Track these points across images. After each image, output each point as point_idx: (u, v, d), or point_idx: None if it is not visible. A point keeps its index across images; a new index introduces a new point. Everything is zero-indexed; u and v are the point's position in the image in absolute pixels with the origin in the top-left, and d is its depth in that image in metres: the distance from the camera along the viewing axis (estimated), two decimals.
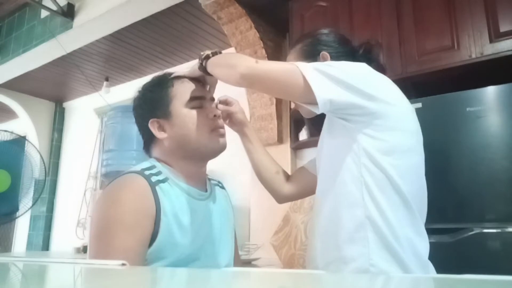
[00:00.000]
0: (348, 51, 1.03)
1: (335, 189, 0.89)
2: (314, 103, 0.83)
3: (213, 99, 1.02)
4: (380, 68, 1.02)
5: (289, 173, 1.19)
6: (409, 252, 0.82)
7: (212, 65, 0.94)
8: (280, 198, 1.17)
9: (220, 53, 0.96)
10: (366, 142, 0.85)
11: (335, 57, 1.00)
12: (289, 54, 1.09)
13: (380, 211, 0.82)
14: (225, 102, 1.10)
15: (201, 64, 0.96)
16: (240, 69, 0.86)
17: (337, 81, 0.84)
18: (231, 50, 2.62)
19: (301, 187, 1.13)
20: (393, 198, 0.83)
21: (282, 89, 0.91)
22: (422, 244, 0.86)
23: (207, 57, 0.95)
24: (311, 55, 1.02)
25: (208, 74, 0.96)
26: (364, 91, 0.84)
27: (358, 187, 0.85)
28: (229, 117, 1.12)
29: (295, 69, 0.85)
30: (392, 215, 0.82)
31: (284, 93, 0.99)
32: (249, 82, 0.90)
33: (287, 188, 1.15)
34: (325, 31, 1.07)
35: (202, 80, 1.01)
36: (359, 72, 0.88)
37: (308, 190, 1.10)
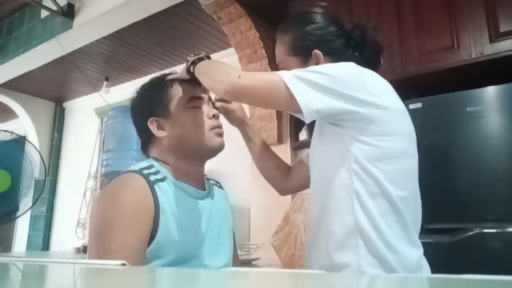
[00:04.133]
0: (342, 44, 0.98)
1: (326, 195, 0.88)
2: (302, 112, 0.81)
3: (211, 99, 1.03)
4: (378, 51, 1.00)
5: None
6: (399, 258, 0.81)
7: (198, 73, 0.93)
8: (282, 192, 1.19)
9: (207, 56, 0.95)
10: (356, 148, 0.84)
11: (329, 53, 0.97)
12: (277, 42, 1.03)
13: (370, 218, 0.82)
14: (223, 99, 1.09)
15: (188, 69, 0.95)
16: (223, 86, 0.84)
17: (322, 89, 0.81)
18: (231, 50, 2.62)
19: (301, 180, 1.13)
20: (383, 205, 0.82)
21: (267, 101, 0.90)
22: (414, 251, 0.85)
23: (194, 63, 0.94)
24: (302, 53, 0.98)
25: (196, 78, 0.95)
26: (352, 95, 0.82)
27: (348, 194, 0.84)
28: (228, 115, 1.12)
29: (278, 80, 0.83)
30: (382, 222, 0.81)
31: (270, 105, 0.99)
32: (233, 98, 0.91)
33: (288, 182, 1.16)
34: (317, 18, 0.99)
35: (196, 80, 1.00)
36: (347, 76, 0.85)
37: (309, 182, 1.10)
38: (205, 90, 1.01)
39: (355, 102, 0.82)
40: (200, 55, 0.95)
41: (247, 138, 1.16)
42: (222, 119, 1.03)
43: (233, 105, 1.11)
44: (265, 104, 0.98)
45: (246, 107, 1.35)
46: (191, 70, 0.94)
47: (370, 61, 0.97)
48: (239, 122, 1.14)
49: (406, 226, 0.84)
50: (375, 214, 0.82)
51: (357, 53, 0.99)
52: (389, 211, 0.83)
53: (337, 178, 0.86)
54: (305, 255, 0.99)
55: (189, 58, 0.95)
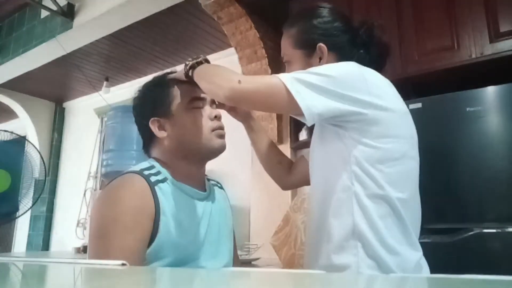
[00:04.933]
0: (348, 40, 0.98)
1: (326, 196, 0.88)
2: (303, 115, 0.81)
3: (213, 100, 1.02)
4: (384, 52, 0.99)
5: None
6: (397, 261, 0.81)
7: (197, 77, 0.92)
8: (284, 186, 1.20)
9: (206, 60, 0.95)
10: (357, 149, 0.83)
11: (334, 48, 0.96)
12: (283, 35, 1.03)
13: (369, 220, 0.81)
14: None
15: (187, 73, 0.95)
16: (224, 91, 0.84)
17: (324, 92, 0.81)
18: (231, 50, 2.62)
19: (302, 176, 1.13)
20: (383, 207, 0.82)
21: (269, 106, 0.89)
22: (412, 253, 0.85)
23: (192, 67, 0.93)
24: (307, 46, 0.97)
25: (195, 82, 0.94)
26: (354, 97, 0.81)
27: (348, 196, 0.84)
28: (233, 109, 1.11)
29: (279, 84, 0.82)
30: (381, 224, 0.81)
31: (271, 109, 0.99)
32: (234, 103, 0.91)
33: (290, 177, 1.17)
34: (323, 13, 0.99)
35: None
36: (348, 77, 0.84)
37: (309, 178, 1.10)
38: None
39: (358, 103, 0.82)
40: (199, 59, 0.94)
41: (251, 132, 1.16)
42: (223, 119, 1.03)
43: None
44: (267, 108, 0.98)
45: None
46: (190, 74, 0.94)
47: (375, 61, 0.96)
48: (243, 117, 1.14)
49: (406, 229, 0.84)
50: (374, 217, 0.81)
51: (362, 51, 0.98)
52: (388, 214, 0.82)
53: (337, 180, 0.86)
54: (305, 255, 0.99)
55: (187, 62, 0.94)
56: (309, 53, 0.97)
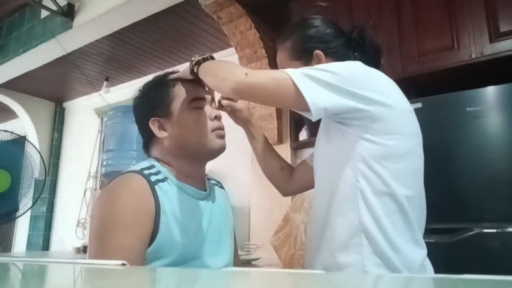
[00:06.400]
0: (343, 43, 0.99)
1: (331, 194, 0.87)
2: (309, 110, 0.81)
3: (213, 100, 1.02)
4: (377, 52, 1.00)
5: None
6: (403, 259, 0.81)
7: (203, 73, 0.92)
8: (285, 193, 1.18)
9: (211, 57, 0.95)
10: (363, 146, 0.84)
11: (330, 53, 0.97)
12: (278, 51, 1.04)
13: (375, 218, 0.81)
14: (229, 98, 1.08)
15: (192, 70, 0.95)
16: (230, 84, 0.84)
17: (330, 87, 0.81)
18: (231, 50, 2.62)
19: (304, 181, 1.12)
20: (389, 204, 0.82)
21: (275, 100, 0.89)
22: (418, 251, 0.85)
23: (198, 63, 0.93)
24: (304, 55, 0.98)
25: (200, 79, 0.94)
26: (360, 94, 0.82)
27: (353, 193, 0.83)
28: (233, 114, 1.11)
29: (286, 78, 0.82)
30: (387, 222, 0.81)
31: (277, 103, 0.99)
32: (240, 96, 0.90)
33: (291, 183, 1.15)
34: (315, 22, 1.01)
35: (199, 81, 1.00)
36: (354, 74, 0.84)
37: (311, 183, 1.10)
38: (208, 91, 1.01)
39: (363, 100, 0.82)
40: (205, 56, 0.94)
41: (252, 138, 1.15)
42: (224, 119, 1.03)
43: (240, 104, 1.10)
44: (272, 102, 0.98)
45: None
46: (195, 70, 0.94)
47: (370, 62, 0.97)
48: (244, 122, 1.13)
49: (411, 226, 0.84)
50: (380, 214, 0.81)
51: (357, 53, 0.99)
52: (394, 211, 0.82)
53: (342, 177, 0.86)
54: (307, 254, 0.99)
55: (193, 58, 0.94)
56: (307, 62, 0.97)
